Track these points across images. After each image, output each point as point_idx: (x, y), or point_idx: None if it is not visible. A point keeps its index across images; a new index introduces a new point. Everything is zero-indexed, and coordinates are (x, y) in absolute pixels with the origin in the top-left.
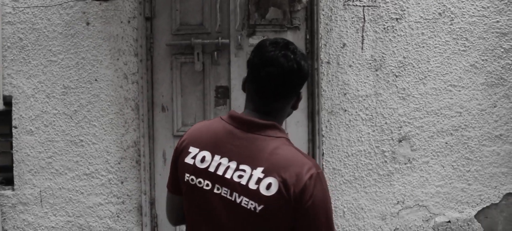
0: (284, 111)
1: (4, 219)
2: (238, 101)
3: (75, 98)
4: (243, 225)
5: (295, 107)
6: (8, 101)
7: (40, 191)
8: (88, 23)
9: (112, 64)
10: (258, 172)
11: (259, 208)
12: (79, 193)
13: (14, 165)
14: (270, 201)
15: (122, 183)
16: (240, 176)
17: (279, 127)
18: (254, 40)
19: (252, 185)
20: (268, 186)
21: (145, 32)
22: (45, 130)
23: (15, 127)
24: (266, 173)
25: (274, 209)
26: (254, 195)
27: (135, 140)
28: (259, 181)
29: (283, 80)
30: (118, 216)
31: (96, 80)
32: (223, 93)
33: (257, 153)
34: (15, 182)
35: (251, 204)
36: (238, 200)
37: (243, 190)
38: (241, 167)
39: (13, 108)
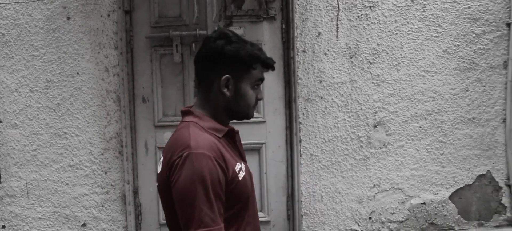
0: (212, 95)
1: None
2: None
3: (58, 91)
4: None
5: (220, 89)
6: None
7: (26, 183)
8: (68, 18)
9: (93, 57)
10: (162, 155)
11: (156, 186)
12: (64, 184)
13: (0, 158)
14: (159, 179)
15: (105, 173)
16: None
17: (193, 112)
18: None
19: (158, 168)
20: (159, 166)
21: (124, 25)
22: (30, 123)
23: (0, 121)
24: (162, 155)
25: (160, 185)
26: (157, 175)
27: (118, 131)
28: (159, 163)
29: (197, 62)
30: (102, 206)
31: (78, 73)
32: None
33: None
34: (1, 175)
35: (156, 183)
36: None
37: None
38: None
39: None
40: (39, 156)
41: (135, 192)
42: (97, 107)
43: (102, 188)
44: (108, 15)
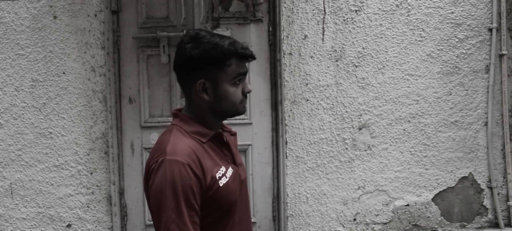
0: (194, 100)
1: None
2: None
3: (43, 91)
4: None
5: (198, 92)
6: None
7: (11, 183)
8: (55, 17)
9: (80, 57)
10: None
11: (143, 187)
12: (49, 185)
13: None
14: (143, 183)
15: (91, 174)
16: None
17: (180, 115)
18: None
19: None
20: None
21: (111, 26)
22: (14, 122)
23: None
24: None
25: (145, 188)
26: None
27: (104, 132)
28: None
29: (174, 69)
30: (88, 206)
31: (64, 73)
32: None
33: None
34: None
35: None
36: None
37: None
38: None
39: None
40: (24, 156)
41: (121, 193)
42: (83, 107)
43: (87, 189)
44: (95, 15)
